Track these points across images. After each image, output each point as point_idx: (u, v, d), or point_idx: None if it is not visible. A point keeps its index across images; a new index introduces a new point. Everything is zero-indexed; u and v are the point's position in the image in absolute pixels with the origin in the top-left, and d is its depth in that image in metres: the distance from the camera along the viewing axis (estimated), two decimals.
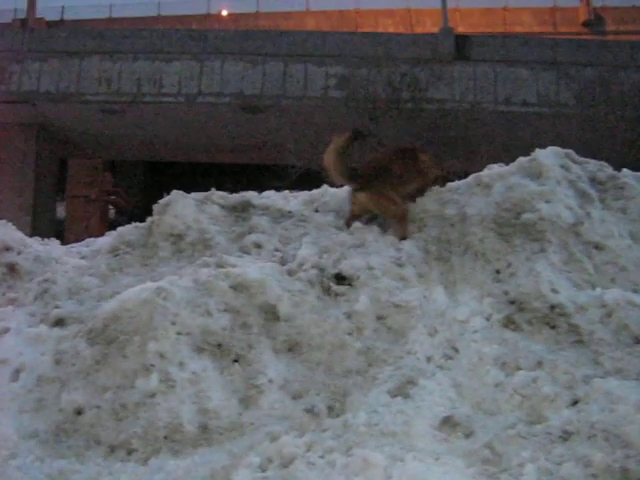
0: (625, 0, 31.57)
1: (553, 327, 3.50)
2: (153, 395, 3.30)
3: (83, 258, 4.65)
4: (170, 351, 3.43)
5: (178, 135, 23.77)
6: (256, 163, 23.56)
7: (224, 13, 33.67)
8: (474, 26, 30.18)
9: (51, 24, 30.12)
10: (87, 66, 22.01)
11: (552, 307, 3.54)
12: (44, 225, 21.25)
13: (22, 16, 26.34)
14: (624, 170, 4.50)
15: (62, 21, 32.57)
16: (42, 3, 26.79)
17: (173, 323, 3.51)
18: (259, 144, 22.53)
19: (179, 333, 3.50)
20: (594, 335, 3.39)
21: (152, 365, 3.38)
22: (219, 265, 3.91)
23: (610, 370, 3.19)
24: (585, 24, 31.04)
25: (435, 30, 23.62)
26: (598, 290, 3.65)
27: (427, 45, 21.78)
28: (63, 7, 33.05)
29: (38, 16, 27.30)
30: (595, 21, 31.00)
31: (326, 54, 21.92)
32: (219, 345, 3.52)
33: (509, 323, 3.57)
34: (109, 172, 26.31)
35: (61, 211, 24.97)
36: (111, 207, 23.14)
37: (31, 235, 5.27)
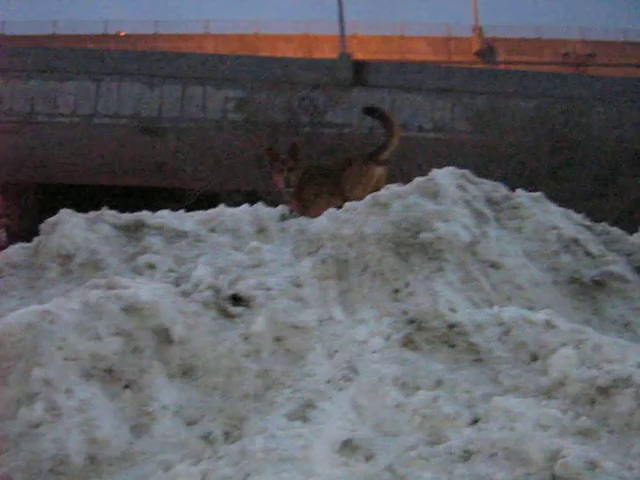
0: (515, 32, 32.91)
1: (452, 346, 3.48)
2: (37, 425, 3.08)
3: None
4: (56, 378, 3.22)
5: (74, 156, 23.15)
6: (155, 186, 23.17)
7: (122, 34, 33.16)
8: (372, 53, 30.78)
9: None
10: None
11: (451, 326, 3.53)
12: None
13: None
14: (518, 190, 4.58)
15: None
16: None
17: (60, 348, 3.30)
18: (158, 166, 22.16)
19: (66, 359, 3.29)
20: (492, 353, 3.39)
21: (37, 393, 3.16)
22: (110, 287, 3.72)
23: (509, 388, 3.18)
24: (478, 54, 32.16)
25: (333, 56, 23.97)
26: (495, 308, 3.66)
27: (325, 70, 22.05)
28: None
29: None
30: (487, 51, 32.18)
31: (225, 77, 21.85)
32: (109, 370, 3.34)
33: (408, 342, 3.53)
34: (0, 195, 25.36)
35: None
36: (1, 230, 22.24)
37: None
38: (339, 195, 5.19)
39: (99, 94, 21.90)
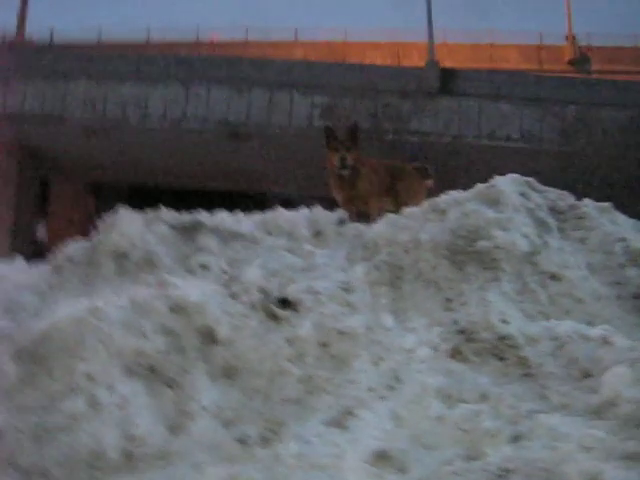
0: (610, 40, 31.91)
1: (501, 359, 3.35)
2: (77, 419, 3.11)
3: (27, 275, 4.47)
4: (99, 373, 3.25)
5: (162, 160, 23.70)
6: (239, 190, 23.46)
7: (214, 40, 33.78)
8: (461, 61, 30.35)
9: (40, 47, 30.10)
10: (72, 88, 21.97)
11: (501, 338, 3.40)
12: (23, 246, 21.02)
13: (11, 38, 26.34)
14: (585, 200, 4.40)
15: (51, 43, 32.53)
16: (31, 25, 26.80)
17: (105, 344, 3.34)
18: (243, 171, 22.46)
19: (111, 354, 3.32)
20: (543, 368, 3.24)
21: (79, 387, 3.20)
22: (161, 285, 3.75)
23: (556, 405, 3.03)
24: (570, 63, 31.32)
25: (421, 64, 23.78)
26: (551, 322, 3.51)
27: (412, 78, 21.88)
28: (52, 29, 33.06)
29: (27, 38, 27.30)
30: (580, 60, 31.30)
31: (312, 84, 21.96)
32: (152, 368, 3.35)
33: (456, 354, 3.41)
34: (92, 195, 26.20)
35: (42, 232, 24.78)
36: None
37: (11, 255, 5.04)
38: (392, 200, 5.09)
39: (188, 99, 22.31)
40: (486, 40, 32.89)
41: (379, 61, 30.69)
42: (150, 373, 3.33)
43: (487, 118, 21.58)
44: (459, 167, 18.37)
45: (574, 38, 32.07)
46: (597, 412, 2.92)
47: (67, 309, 3.48)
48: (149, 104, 22.14)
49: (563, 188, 4.60)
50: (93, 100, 21.99)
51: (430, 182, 5.43)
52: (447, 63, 26.69)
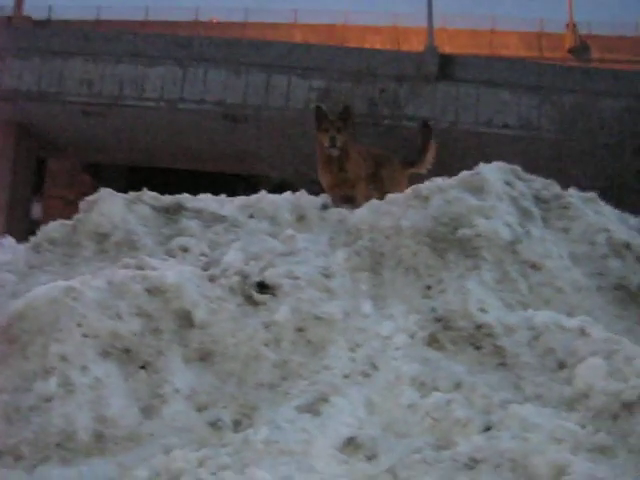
0: (611, 28, 31.75)
1: (478, 348, 3.33)
2: (50, 399, 3.09)
3: (8, 254, 4.44)
4: (73, 354, 3.23)
5: (158, 141, 23.60)
6: (235, 172, 23.38)
7: (214, 21, 33.54)
8: (460, 47, 30.19)
9: (37, 23, 29.88)
10: (69, 67, 21.84)
11: (478, 327, 3.38)
12: (18, 224, 20.96)
13: (9, 13, 26.14)
14: (570, 189, 4.37)
15: (49, 20, 32.28)
16: (30, 1, 26.62)
17: (80, 325, 3.31)
18: (238, 153, 22.37)
19: (85, 335, 3.30)
20: (519, 358, 3.23)
21: (52, 368, 3.18)
22: (139, 267, 3.72)
23: (530, 396, 3.02)
24: (570, 51, 31.17)
25: (420, 49, 23.65)
26: (529, 312, 3.49)
27: (411, 62, 21.76)
28: (50, 6, 32.81)
29: (25, 14, 27.11)
30: (580, 48, 31.15)
31: (310, 67, 21.83)
32: (127, 350, 3.33)
33: (433, 341, 3.40)
34: (88, 174, 26.10)
35: (37, 211, 24.70)
36: None
37: (4, 234, 4.98)
38: (376, 187, 5.06)
39: (185, 80, 22.18)
40: (486, 26, 32.70)
41: (378, 45, 30.52)
42: (124, 355, 3.31)
43: (485, 105, 21.50)
44: (455, 154, 18.26)
45: (574, 26, 31.89)
46: (570, 403, 2.92)
47: (43, 289, 3.45)
48: (146, 84, 22.02)
49: (559, 175, 4.56)
50: (90, 79, 21.86)
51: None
52: (446, 49, 26.56)
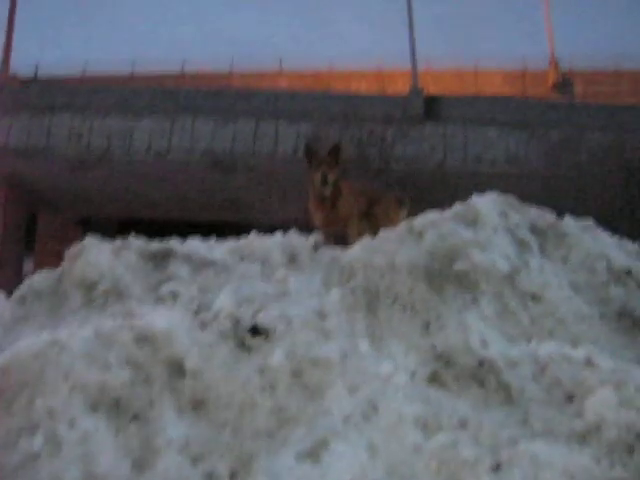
0: (593, 62, 32.10)
1: (482, 384, 3.21)
2: (36, 457, 2.95)
3: None
4: (60, 408, 3.09)
5: (149, 192, 23.57)
6: (226, 220, 23.32)
7: (198, 73, 33.77)
8: (445, 88, 30.34)
9: (25, 81, 30.03)
10: (57, 122, 21.89)
11: (481, 362, 3.26)
12: (10, 281, 20.76)
13: None
14: (566, 218, 4.29)
15: (36, 78, 32.45)
16: (16, 61, 26.75)
17: (66, 377, 3.18)
18: (229, 201, 22.36)
19: (72, 388, 3.17)
20: (525, 393, 3.11)
21: (39, 423, 3.04)
22: (127, 315, 3.61)
23: (539, 431, 2.89)
24: (554, 87, 31.47)
25: (406, 91, 23.81)
26: (532, 344, 3.38)
27: (397, 105, 21.87)
28: (37, 64, 33.01)
29: (12, 74, 27.26)
30: (564, 83, 31.44)
31: (297, 113, 21.93)
32: (116, 402, 3.19)
33: (435, 379, 3.27)
34: (80, 228, 26.01)
35: (29, 267, 24.52)
36: None
37: None
38: (369, 224, 4.97)
39: (173, 131, 22.25)
40: (470, 66, 33.00)
41: (364, 89, 30.73)
42: (114, 407, 3.18)
43: (472, 143, 21.59)
44: (446, 192, 18.28)
45: (557, 63, 32.25)
46: (581, 437, 2.79)
47: (28, 342, 3.34)
48: (134, 136, 22.05)
49: (551, 210, 4.49)
50: (78, 133, 21.90)
51: (405, 212, 5.33)
52: (431, 90, 26.68)
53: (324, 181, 4.97)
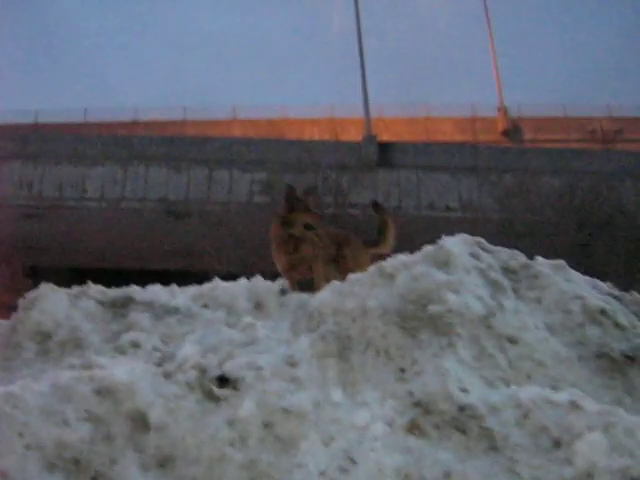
0: (540, 110, 32.89)
1: (463, 432, 3.06)
2: None
3: None
4: (15, 469, 2.85)
5: (101, 241, 23.20)
6: (181, 268, 23.05)
7: (151, 120, 33.64)
8: (397, 135, 30.85)
9: None
10: (8, 170, 21.52)
11: (461, 408, 3.12)
12: None
13: None
14: (538, 258, 4.21)
15: None
16: None
17: (21, 435, 2.95)
18: (184, 249, 22.12)
19: (28, 447, 2.93)
20: (509, 440, 2.97)
21: None
22: (86, 367, 3.39)
23: None
24: (504, 133, 32.11)
25: (359, 138, 24.02)
26: (513, 388, 3.25)
27: (351, 151, 22.06)
28: None
29: None
30: (513, 130, 32.14)
31: (251, 160, 21.93)
32: (76, 461, 2.96)
33: (414, 428, 3.12)
34: (30, 278, 25.40)
35: None
36: None
37: None
38: (338, 267, 4.83)
39: (127, 178, 22.05)
40: (422, 114, 33.57)
41: (317, 137, 31.00)
42: (73, 466, 2.95)
43: (426, 189, 21.82)
44: (402, 238, 18.29)
45: (506, 109, 32.97)
46: None
47: None
48: (87, 184, 21.80)
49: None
50: (29, 181, 21.56)
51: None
52: (384, 137, 27.05)
53: (307, 226, 4.81)
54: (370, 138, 23.12)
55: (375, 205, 6.05)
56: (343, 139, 29.55)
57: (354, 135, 28.88)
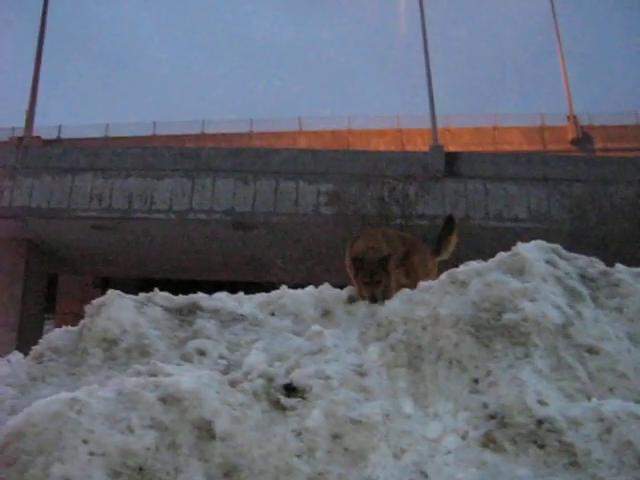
0: (611, 119, 32.10)
1: (542, 446, 2.91)
2: None
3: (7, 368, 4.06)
4: (79, 476, 2.81)
5: (169, 252, 23.52)
6: (248, 280, 23.18)
7: (217, 133, 34.02)
8: (464, 145, 30.52)
9: (47, 142, 30.42)
10: (79, 183, 22.01)
11: (539, 422, 2.96)
12: (30, 343, 20.57)
13: (20, 134, 26.62)
14: (618, 265, 4.02)
15: (59, 139, 32.85)
16: (40, 122, 27.08)
17: (85, 441, 2.91)
18: (251, 260, 22.24)
19: (92, 454, 2.89)
20: (591, 455, 2.80)
21: None
22: (151, 374, 3.34)
23: None
24: (573, 142, 31.44)
25: (425, 149, 23.83)
26: (594, 401, 3.08)
27: (417, 162, 21.91)
28: (60, 126, 33.42)
29: (35, 134, 27.59)
30: (583, 139, 31.43)
31: (317, 171, 21.94)
32: (140, 469, 2.91)
33: (489, 442, 2.98)
34: (101, 289, 25.91)
35: (50, 329, 24.37)
36: None
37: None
38: (406, 273, 4.64)
39: (194, 190, 22.29)
40: (489, 124, 33.11)
41: (383, 147, 30.85)
42: (137, 474, 2.89)
43: (493, 199, 21.48)
44: (470, 248, 17.99)
45: (575, 118, 32.29)
46: None
47: (44, 402, 3.06)
48: (155, 196, 22.12)
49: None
50: (99, 194, 22.00)
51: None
52: (451, 148, 26.79)
53: (373, 299, 4.25)
54: (437, 148, 22.92)
55: (450, 219, 5.82)
56: (409, 150, 29.36)
57: (420, 146, 28.69)
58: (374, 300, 4.15)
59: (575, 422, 2.93)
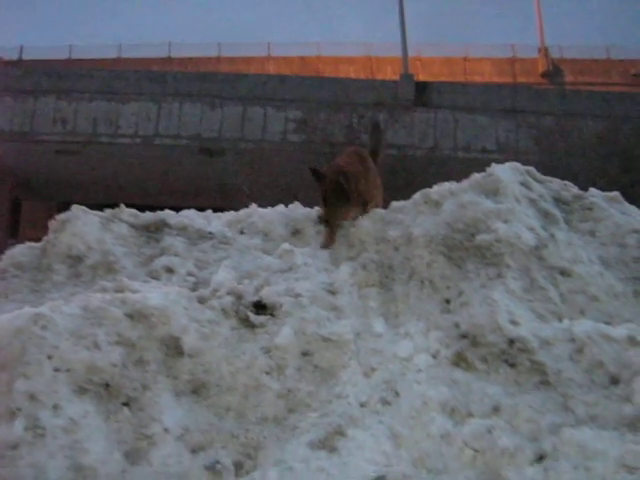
0: (582, 52, 31.93)
1: (513, 365, 2.90)
2: (16, 446, 2.60)
3: None
4: (43, 392, 2.74)
5: (135, 177, 23.16)
6: (215, 206, 22.91)
7: (185, 57, 33.28)
8: (435, 75, 30.19)
9: (8, 63, 29.51)
10: (42, 105, 21.44)
11: (511, 341, 2.95)
12: None
13: None
14: (592, 189, 3.98)
15: (20, 60, 31.87)
16: (0, 43, 26.21)
17: (50, 357, 2.83)
18: (218, 187, 22.01)
19: (57, 370, 2.82)
20: (562, 375, 2.80)
21: (19, 409, 2.69)
22: (118, 290, 3.26)
23: (583, 417, 2.59)
24: (544, 75, 31.27)
25: (396, 77, 23.53)
26: (566, 322, 3.07)
27: (387, 90, 21.61)
28: (22, 47, 32.40)
29: None
30: (553, 72, 31.27)
31: (286, 98, 21.60)
32: (106, 385, 2.85)
33: (460, 361, 2.96)
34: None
35: None
36: None
37: None
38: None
39: (160, 115, 21.85)
40: (460, 54, 32.76)
41: (353, 75, 30.42)
42: (104, 391, 2.84)
43: (463, 130, 21.38)
44: (437, 178, 17.97)
45: (546, 50, 32.06)
46: (632, 424, 2.49)
47: (7, 317, 2.97)
48: (120, 121, 21.65)
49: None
50: (63, 117, 21.48)
51: None
52: (421, 77, 26.49)
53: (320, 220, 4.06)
54: (407, 77, 22.63)
55: (376, 126, 5.79)
56: (379, 78, 28.99)
57: (390, 74, 28.32)
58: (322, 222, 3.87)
59: (547, 342, 2.92)
